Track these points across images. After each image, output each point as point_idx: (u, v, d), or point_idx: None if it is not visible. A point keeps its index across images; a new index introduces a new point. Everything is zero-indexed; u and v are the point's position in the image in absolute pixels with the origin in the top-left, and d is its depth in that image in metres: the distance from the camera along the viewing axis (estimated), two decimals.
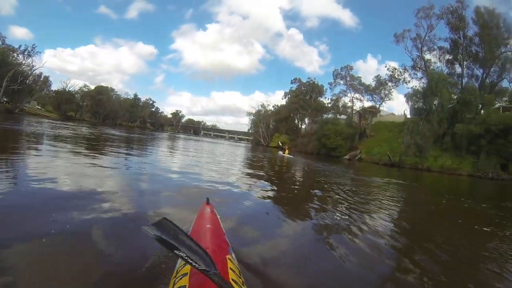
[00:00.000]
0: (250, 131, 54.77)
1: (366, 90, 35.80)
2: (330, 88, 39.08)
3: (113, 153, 7.96)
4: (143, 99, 70.18)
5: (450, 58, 28.12)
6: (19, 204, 2.64)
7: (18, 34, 73.26)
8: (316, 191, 6.23)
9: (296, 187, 6.97)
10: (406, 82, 31.34)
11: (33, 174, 3.76)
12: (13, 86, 30.76)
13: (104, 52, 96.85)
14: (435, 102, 24.18)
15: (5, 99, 33.01)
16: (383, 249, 2.81)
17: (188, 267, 1.31)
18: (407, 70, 31.13)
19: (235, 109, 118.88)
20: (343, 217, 3.82)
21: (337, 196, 5.45)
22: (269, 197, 4.82)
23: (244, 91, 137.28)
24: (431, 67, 28.90)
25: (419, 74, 30.20)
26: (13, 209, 2.50)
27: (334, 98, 38.11)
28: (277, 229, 3.13)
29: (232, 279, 1.25)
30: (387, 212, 4.54)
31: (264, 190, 5.32)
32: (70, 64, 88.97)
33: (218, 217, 2.12)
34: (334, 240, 2.93)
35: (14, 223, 2.24)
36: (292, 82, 45.92)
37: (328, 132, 31.53)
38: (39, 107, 45.81)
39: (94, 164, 5.53)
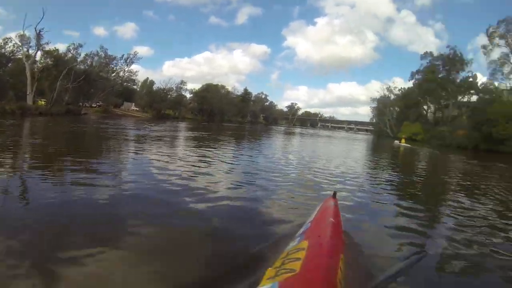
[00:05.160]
0: (373, 120, 49.55)
1: None
2: (485, 54, 28.74)
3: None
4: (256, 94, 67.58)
5: None
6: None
7: (140, 51, 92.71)
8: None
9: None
10: None
11: None
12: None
13: (219, 57, 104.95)
14: None
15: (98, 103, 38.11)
16: None
17: (303, 252, 1.34)
18: None
19: (351, 99, 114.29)
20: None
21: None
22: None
23: (360, 81, 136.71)
24: None
25: None
26: None
27: (494, 65, 27.86)
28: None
29: (339, 280, 1.21)
30: None
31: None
32: (188, 71, 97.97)
33: (340, 213, 2.12)
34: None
35: None
36: (421, 58, 37.52)
37: (495, 117, 21.26)
38: (135, 108, 45.27)
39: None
